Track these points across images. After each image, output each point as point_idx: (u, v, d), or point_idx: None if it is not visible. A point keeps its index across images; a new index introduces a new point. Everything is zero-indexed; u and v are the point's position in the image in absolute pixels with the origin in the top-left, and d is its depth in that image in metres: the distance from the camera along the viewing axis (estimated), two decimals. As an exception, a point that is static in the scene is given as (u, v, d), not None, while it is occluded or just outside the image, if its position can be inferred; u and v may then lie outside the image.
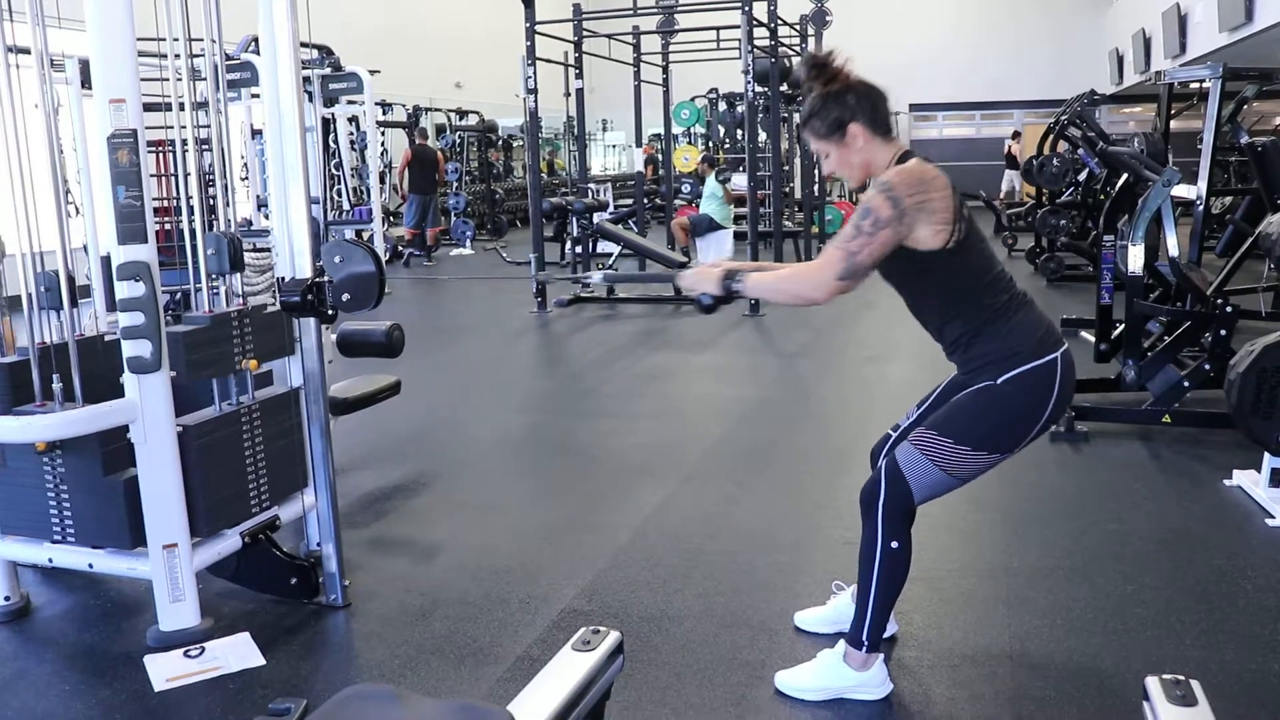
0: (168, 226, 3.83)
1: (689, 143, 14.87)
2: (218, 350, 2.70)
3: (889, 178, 2.11)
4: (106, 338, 2.87)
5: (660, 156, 14.12)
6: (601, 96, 17.05)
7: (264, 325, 2.86)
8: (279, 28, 2.57)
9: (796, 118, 12.49)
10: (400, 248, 12.33)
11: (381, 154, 12.37)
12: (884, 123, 2.21)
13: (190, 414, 2.69)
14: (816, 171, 12.50)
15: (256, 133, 7.91)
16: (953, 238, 2.11)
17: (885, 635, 2.36)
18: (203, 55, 2.78)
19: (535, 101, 8.54)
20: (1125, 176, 5.10)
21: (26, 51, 2.58)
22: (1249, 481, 3.63)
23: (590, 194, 10.61)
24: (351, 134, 11.49)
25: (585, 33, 10.13)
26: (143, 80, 2.47)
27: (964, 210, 2.14)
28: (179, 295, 4.46)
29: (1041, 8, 19.12)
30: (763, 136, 11.62)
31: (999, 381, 2.17)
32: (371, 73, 9.02)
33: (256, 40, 3.62)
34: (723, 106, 14.63)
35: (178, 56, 2.66)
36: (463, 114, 15.71)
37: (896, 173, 2.12)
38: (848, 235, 2.09)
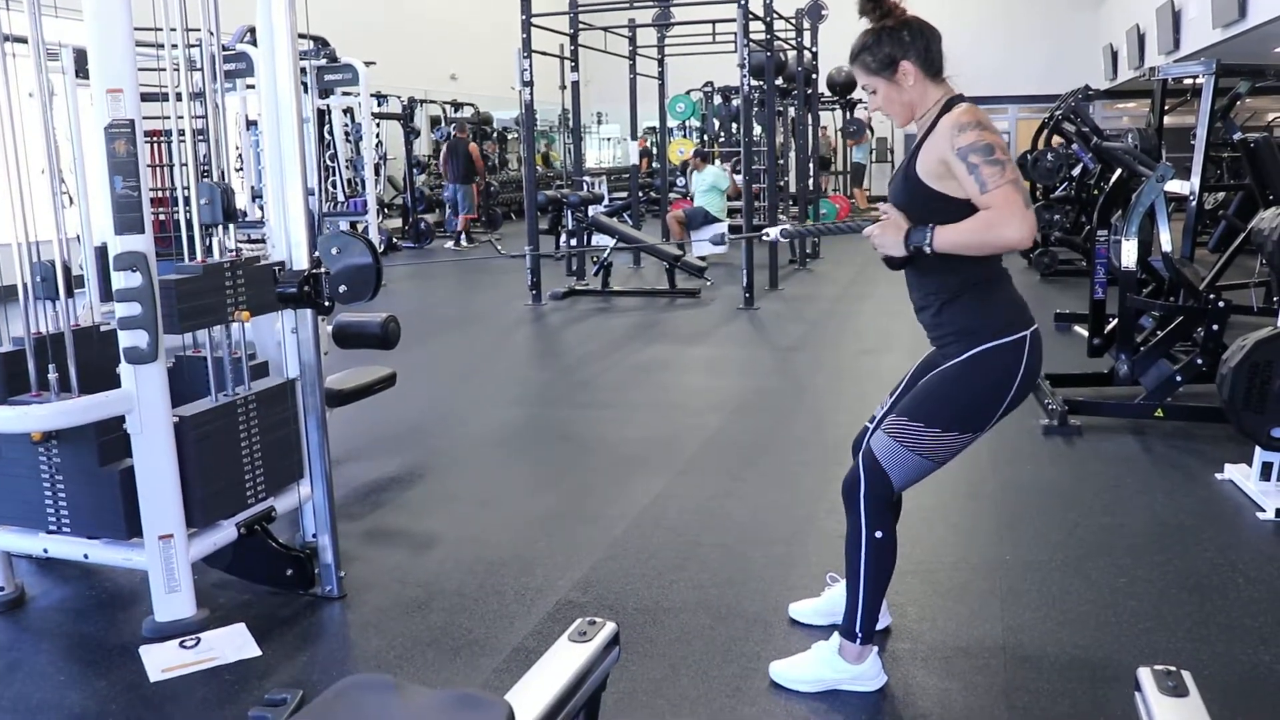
0: (162, 217, 3.80)
1: (684, 136, 14.87)
2: (210, 300, 2.66)
3: (971, 118, 2.03)
4: (102, 328, 2.87)
5: (655, 149, 14.09)
6: (597, 89, 16.97)
7: (257, 277, 2.82)
8: (277, 19, 2.56)
9: (792, 111, 12.49)
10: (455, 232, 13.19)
11: (376, 145, 12.36)
12: (936, 63, 2.15)
13: (187, 404, 2.69)
14: (811, 166, 12.51)
15: (251, 123, 7.87)
16: None
17: (879, 627, 2.37)
18: (199, 46, 2.77)
19: (531, 94, 8.53)
20: (1119, 172, 5.12)
21: (22, 40, 2.57)
22: (1240, 475, 3.66)
23: (585, 187, 10.60)
24: (346, 125, 11.46)
25: (581, 25, 10.11)
26: (139, 70, 2.47)
27: None
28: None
29: (1036, 3, 19.11)
30: (758, 130, 11.61)
31: (965, 357, 2.16)
32: (367, 64, 9.01)
33: (253, 31, 3.59)
34: (718, 100, 14.62)
35: (174, 47, 2.65)
36: (458, 106, 15.67)
37: (971, 111, 2.05)
38: (995, 172, 1.98)
